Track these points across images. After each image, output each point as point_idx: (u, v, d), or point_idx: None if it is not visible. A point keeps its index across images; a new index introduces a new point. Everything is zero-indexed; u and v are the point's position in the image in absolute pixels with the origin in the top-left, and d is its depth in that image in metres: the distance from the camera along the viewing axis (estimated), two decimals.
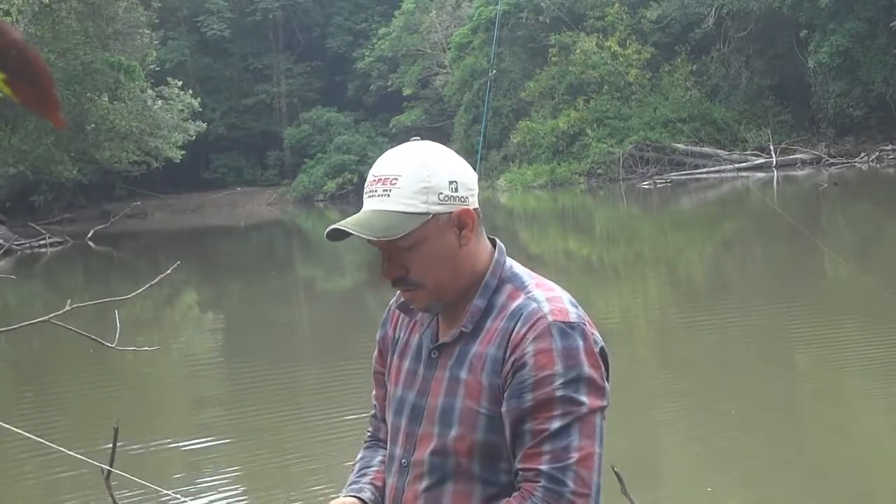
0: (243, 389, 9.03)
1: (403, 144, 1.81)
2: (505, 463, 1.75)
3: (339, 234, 1.75)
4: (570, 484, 1.65)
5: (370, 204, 1.76)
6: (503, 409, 1.72)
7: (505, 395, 1.72)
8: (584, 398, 1.69)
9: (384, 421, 2.00)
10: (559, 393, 1.67)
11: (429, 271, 1.77)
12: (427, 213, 1.73)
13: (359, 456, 2.08)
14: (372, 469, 2.01)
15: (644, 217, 24.83)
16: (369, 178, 1.78)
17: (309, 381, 9.09)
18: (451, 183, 1.75)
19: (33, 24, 27.79)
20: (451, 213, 1.76)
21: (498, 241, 1.89)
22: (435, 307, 1.83)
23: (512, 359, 1.71)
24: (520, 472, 1.70)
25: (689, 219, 23.14)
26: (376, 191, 1.75)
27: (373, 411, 2.09)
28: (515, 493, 1.70)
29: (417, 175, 1.73)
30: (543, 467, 1.66)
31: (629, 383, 7.42)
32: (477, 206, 1.81)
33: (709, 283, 13.37)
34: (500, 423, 1.74)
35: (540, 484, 1.66)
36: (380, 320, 2.04)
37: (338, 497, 1.94)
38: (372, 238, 1.73)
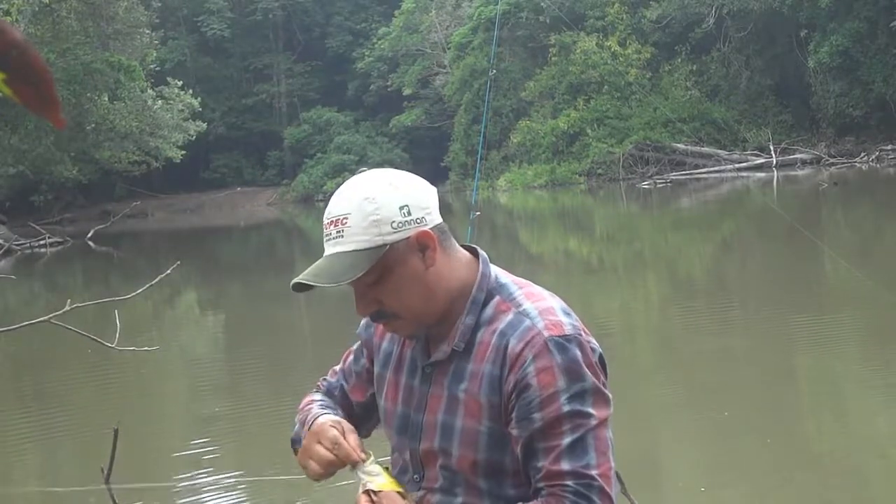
0: (243, 388, 9.02)
1: (351, 178, 1.80)
2: (511, 478, 1.74)
3: (305, 285, 1.74)
4: (596, 499, 1.67)
5: (328, 248, 1.75)
6: (514, 432, 1.71)
7: (512, 416, 1.71)
8: (591, 409, 1.68)
9: (342, 390, 2.03)
10: (566, 408, 1.67)
11: (401, 300, 1.76)
12: (383, 245, 1.71)
13: (317, 398, 2.04)
14: (340, 413, 1.97)
15: (644, 217, 24.84)
16: (324, 219, 1.77)
17: (309, 379, 9.08)
18: (401, 208, 1.72)
19: (33, 23, 27.81)
20: (408, 238, 1.73)
21: (479, 250, 1.86)
22: (418, 332, 1.82)
23: (513, 379, 1.70)
24: (545, 488, 1.69)
25: (689, 219, 23.14)
26: (331, 234, 1.74)
27: (331, 378, 2.08)
28: (541, 499, 1.69)
29: (364, 209, 1.71)
30: (569, 483, 1.66)
31: (627, 383, 7.41)
32: (438, 221, 1.78)
33: (708, 284, 13.37)
34: (501, 440, 1.74)
35: (569, 497, 1.66)
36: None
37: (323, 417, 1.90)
38: (333, 285, 1.71)
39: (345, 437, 1.81)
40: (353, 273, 1.70)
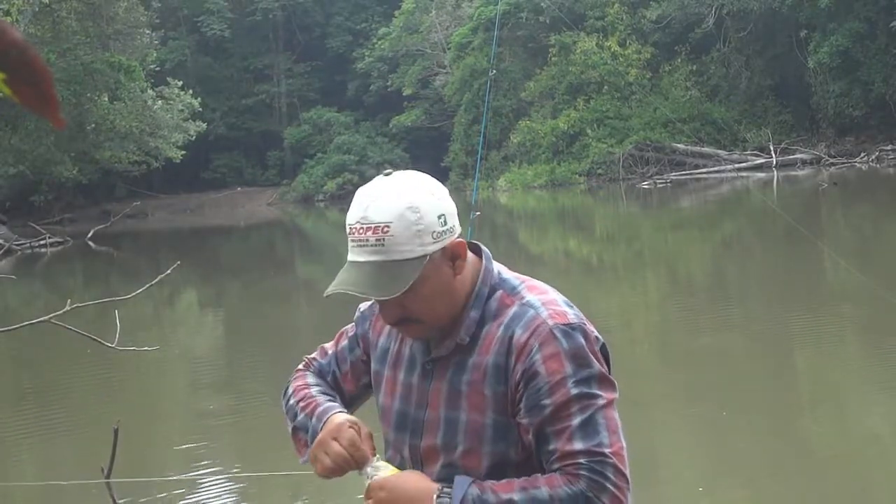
0: (243, 387, 9.03)
1: (383, 182, 1.74)
2: (514, 471, 1.74)
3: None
4: (612, 476, 1.66)
5: (362, 254, 1.71)
6: (523, 421, 1.72)
7: (521, 406, 1.72)
8: (598, 391, 1.70)
9: (334, 377, 2.02)
10: (574, 391, 1.68)
11: (428, 308, 1.76)
12: (424, 256, 1.71)
13: (311, 381, 2.02)
14: (338, 401, 1.97)
15: (644, 217, 24.84)
16: (354, 222, 1.72)
17: None
18: (439, 217, 1.72)
19: (33, 24, 27.83)
20: (444, 248, 1.73)
21: (482, 246, 1.87)
22: (432, 336, 1.82)
23: (521, 368, 1.71)
24: (560, 469, 1.68)
25: (689, 219, 23.15)
26: (368, 240, 1.70)
27: (321, 359, 2.06)
28: (559, 474, 1.68)
29: (408, 219, 1.69)
30: (583, 460, 1.66)
31: (626, 382, 7.41)
32: (460, 227, 1.78)
33: (708, 284, 13.37)
34: (507, 432, 1.75)
35: (584, 474, 1.66)
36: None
37: (335, 415, 1.88)
38: (385, 298, 1.70)
39: (362, 440, 1.82)
40: (402, 286, 1.69)
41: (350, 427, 1.82)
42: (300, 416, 1.95)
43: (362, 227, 1.71)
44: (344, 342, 2.04)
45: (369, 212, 1.71)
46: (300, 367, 2.09)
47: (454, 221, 1.76)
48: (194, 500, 5.86)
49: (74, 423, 8.14)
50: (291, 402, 1.99)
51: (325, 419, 1.88)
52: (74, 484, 5.76)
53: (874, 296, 9.24)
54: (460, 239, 1.77)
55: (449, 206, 1.75)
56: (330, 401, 1.95)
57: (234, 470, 6.46)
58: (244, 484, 6.08)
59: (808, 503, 5.27)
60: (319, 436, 1.84)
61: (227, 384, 9.49)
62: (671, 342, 9.60)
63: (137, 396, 9.15)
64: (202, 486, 6.13)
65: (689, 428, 6.71)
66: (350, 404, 2.05)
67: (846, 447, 6.00)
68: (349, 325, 2.06)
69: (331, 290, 1.73)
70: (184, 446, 7.22)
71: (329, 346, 2.07)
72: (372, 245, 1.70)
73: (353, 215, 1.73)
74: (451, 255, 1.75)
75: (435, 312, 1.77)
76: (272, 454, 6.38)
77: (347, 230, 1.74)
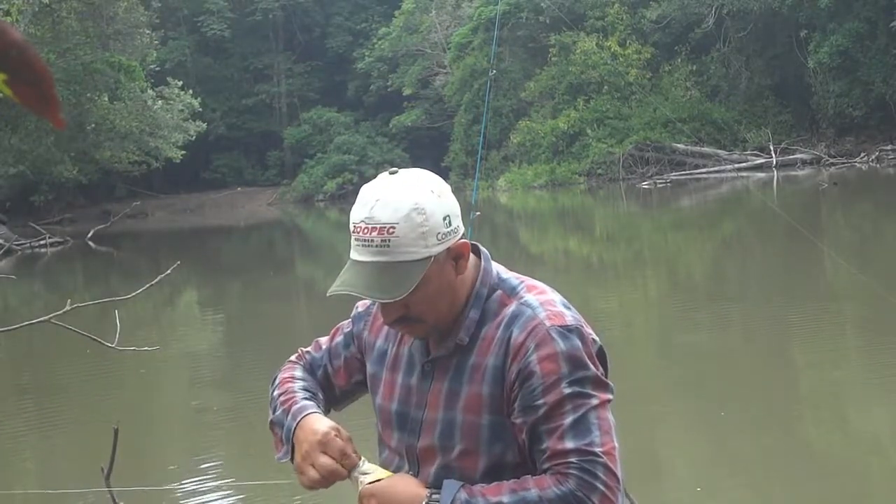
0: (244, 387, 9.03)
1: (389, 181, 1.73)
2: (510, 473, 1.74)
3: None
4: (602, 476, 1.66)
5: (366, 254, 1.70)
6: (517, 421, 1.71)
7: (515, 406, 1.71)
8: (592, 392, 1.70)
9: (325, 372, 2.01)
10: (567, 391, 1.68)
11: (430, 308, 1.75)
12: (429, 258, 1.70)
13: (298, 375, 2.02)
14: (320, 398, 1.98)
15: (644, 217, 24.83)
16: (359, 221, 1.71)
17: None
18: (444, 219, 1.71)
19: (33, 24, 27.80)
20: (448, 248, 1.73)
21: (480, 246, 1.86)
22: (432, 335, 1.82)
23: (516, 369, 1.71)
24: (550, 468, 1.68)
25: (689, 219, 23.14)
26: (372, 241, 1.69)
27: (314, 353, 2.06)
28: (549, 475, 1.67)
29: (414, 221, 1.68)
30: (573, 459, 1.66)
31: (624, 382, 7.42)
32: (463, 228, 1.78)
33: (708, 284, 13.37)
34: (502, 433, 1.74)
35: (574, 473, 1.65)
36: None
37: (309, 415, 1.87)
38: (389, 301, 1.70)
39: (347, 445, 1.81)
40: (406, 288, 1.68)
41: (336, 436, 1.80)
42: (278, 411, 1.94)
43: (367, 227, 1.70)
44: (339, 338, 2.04)
45: (374, 211, 1.70)
46: (292, 357, 2.08)
47: (458, 222, 1.75)
48: (194, 500, 5.86)
49: (74, 422, 8.14)
50: (275, 393, 1.98)
51: (298, 417, 1.86)
52: (75, 482, 5.76)
53: (874, 296, 9.24)
54: (464, 239, 1.76)
55: (453, 207, 1.75)
56: (307, 399, 1.93)
57: (235, 472, 6.46)
58: (243, 484, 6.08)
59: (808, 502, 5.27)
60: (304, 448, 1.81)
61: (227, 383, 9.50)
62: (671, 342, 9.60)
63: (137, 396, 9.15)
64: (202, 485, 6.12)
65: (687, 427, 6.71)
66: (341, 400, 2.05)
67: (846, 446, 6.00)
68: (345, 321, 2.05)
69: (333, 289, 1.72)
70: (184, 445, 7.23)
71: (324, 341, 2.07)
72: (376, 246, 1.69)
73: (357, 213, 1.72)
74: (455, 255, 1.75)
75: (437, 312, 1.77)
76: (272, 453, 6.38)
77: (351, 228, 1.74)
